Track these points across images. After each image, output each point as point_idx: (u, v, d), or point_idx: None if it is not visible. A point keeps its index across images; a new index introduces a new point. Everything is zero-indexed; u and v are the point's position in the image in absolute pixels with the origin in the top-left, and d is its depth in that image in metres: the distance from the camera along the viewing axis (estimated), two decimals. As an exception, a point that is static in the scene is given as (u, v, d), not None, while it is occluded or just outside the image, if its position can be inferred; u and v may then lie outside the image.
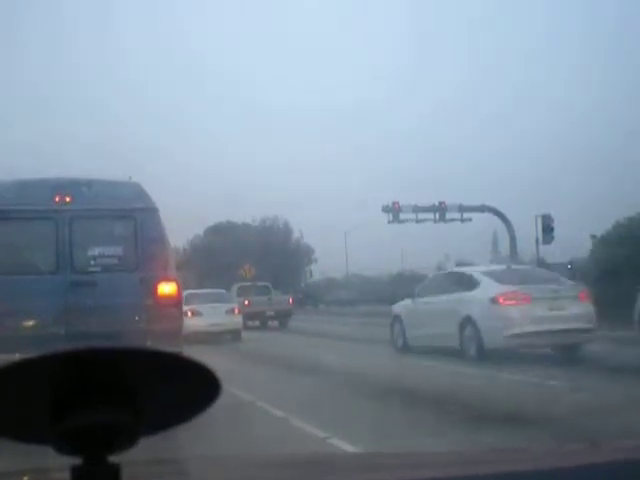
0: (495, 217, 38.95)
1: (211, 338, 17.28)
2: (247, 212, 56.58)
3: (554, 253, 33.47)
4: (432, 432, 5.72)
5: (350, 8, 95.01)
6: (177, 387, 0.86)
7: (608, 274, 20.24)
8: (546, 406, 6.85)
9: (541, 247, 33.01)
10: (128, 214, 7.30)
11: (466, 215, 38.05)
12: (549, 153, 66.27)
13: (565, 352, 11.25)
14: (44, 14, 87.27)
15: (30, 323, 6.88)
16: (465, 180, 58.21)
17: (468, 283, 12.03)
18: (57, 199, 7.21)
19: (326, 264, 51.35)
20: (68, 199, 7.23)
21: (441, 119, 79.01)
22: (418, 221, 37.49)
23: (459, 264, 38.69)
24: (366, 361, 12.05)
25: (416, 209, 36.82)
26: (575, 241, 35.03)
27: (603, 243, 23.83)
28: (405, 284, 31.85)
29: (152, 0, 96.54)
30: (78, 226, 7.17)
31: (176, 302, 7.35)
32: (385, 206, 36.68)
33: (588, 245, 33.94)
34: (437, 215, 36.96)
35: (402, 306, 14.11)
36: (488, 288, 11.45)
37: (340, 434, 5.72)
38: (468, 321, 11.32)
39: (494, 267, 13.57)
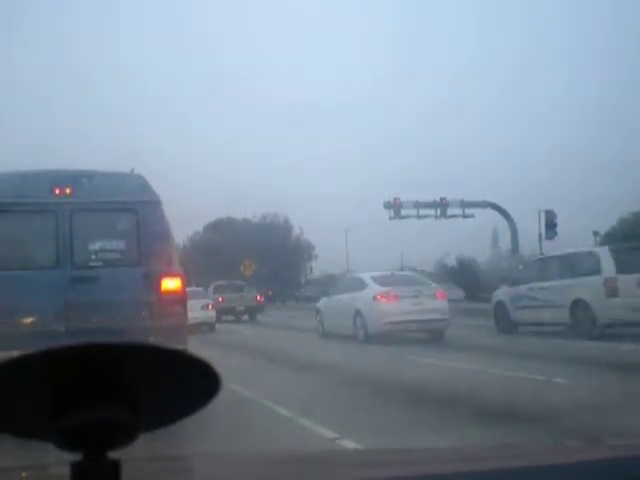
0: (497, 213, 38.81)
1: (190, 329, 19.64)
2: (248, 209, 56.67)
3: (554, 249, 33.31)
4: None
5: (350, 7, 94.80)
6: (177, 383, 0.86)
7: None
8: (399, 368, 10.55)
9: (543, 243, 32.86)
10: (130, 207, 7.07)
11: (468, 211, 38.02)
12: (551, 150, 66.20)
13: (431, 335, 15.23)
14: (45, 13, 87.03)
15: (29, 320, 6.66)
16: (467, 176, 58.20)
17: (360, 285, 16.19)
18: (57, 191, 6.97)
19: (327, 261, 51.42)
20: (68, 191, 6.99)
21: (443, 116, 78.83)
22: (419, 217, 37.65)
23: (460, 260, 38.63)
24: (294, 344, 16.42)
25: (417, 205, 36.81)
26: (576, 237, 34.94)
27: (608, 239, 23.65)
28: None
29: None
30: (79, 219, 6.94)
31: (180, 298, 7.12)
32: (386, 202, 36.71)
33: (590, 241, 33.90)
34: (438, 211, 36.95)
35: (322, 302, 18.30)
36: (372, 289, 15.68)
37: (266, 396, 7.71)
38: (358, 313, 15.58)
39: (380, 273, 17.27)
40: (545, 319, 15.08)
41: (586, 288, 13.96)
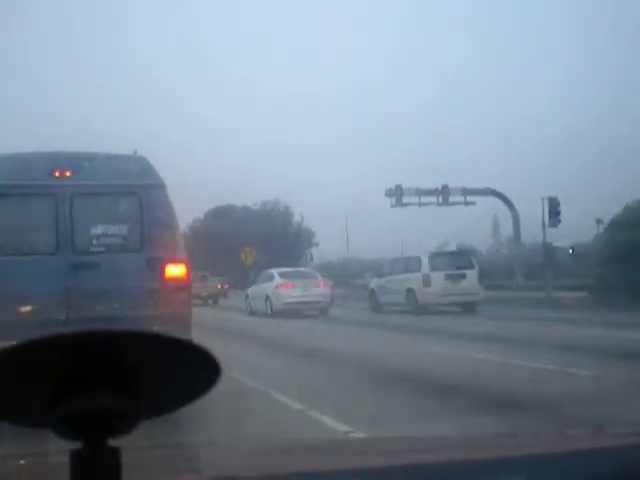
0: (499, 201, 38.69)
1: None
2: (249, 196, 56.69)
3: (555, 237, 33.28)
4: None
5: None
6: (177, 370, 0.86)
7: (618, 257, 20.70)
8: (284, 329, 16.87)
9: (547, 230, 32.66)
10: (133, 190, 6.82)
11: (469, 198, 38.03)
12: (552, 137, 65.89)
13: (318, 312, 22.03)
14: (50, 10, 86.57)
15: (29, 308, 6.43)
16: (469, 164, 57.96)
17: (270, 278, 23.63)
18: (57, 174, 6.72)
19: (327, 248, 51.46)
20: (68, 174, 6.74)
21: (445, 103, 78.41)
22: (421, 205, 37.69)
23: (460, 247, 38.48)
24: (225, 319, 22.45)
25: (419, 192, 36.77)
26: (576, 225, 34.86)
27: (613, 226, 23.57)
28: None
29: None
30: (79, 203, 6.69)
31: (185, 285, 6.89)
32: (388, 189, 36.71)
33: (592, 229, 33.71)
34: (440, 198, 36.87)
35: (250, 289, 25.12)
36: (276, 280, 23.00)
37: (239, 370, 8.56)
38: (267, 297, 22.78)
39: (285, 269, 25.13)
40: (395, 301, 22.85)
41: (413, 281, 22.14)
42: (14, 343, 0.78)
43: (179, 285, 6.78)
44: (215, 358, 0.86)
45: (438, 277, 21.63)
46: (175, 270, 6.78)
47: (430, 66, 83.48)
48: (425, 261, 22.36)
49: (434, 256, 23.16)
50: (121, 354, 0.83)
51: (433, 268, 21.95)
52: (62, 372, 0.84)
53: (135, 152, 7.33)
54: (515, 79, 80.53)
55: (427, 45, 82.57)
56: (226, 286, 39.70)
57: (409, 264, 23.03)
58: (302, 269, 29.75)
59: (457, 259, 23.55)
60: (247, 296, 24.67)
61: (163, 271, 6.72)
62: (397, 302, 22.64)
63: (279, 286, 22.49)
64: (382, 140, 75.65)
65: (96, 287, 6.57)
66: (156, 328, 6.09)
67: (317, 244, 52.91)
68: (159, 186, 6.90)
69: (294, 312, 21.36)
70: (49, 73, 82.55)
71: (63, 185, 6.66)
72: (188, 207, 54.45)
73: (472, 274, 22.11)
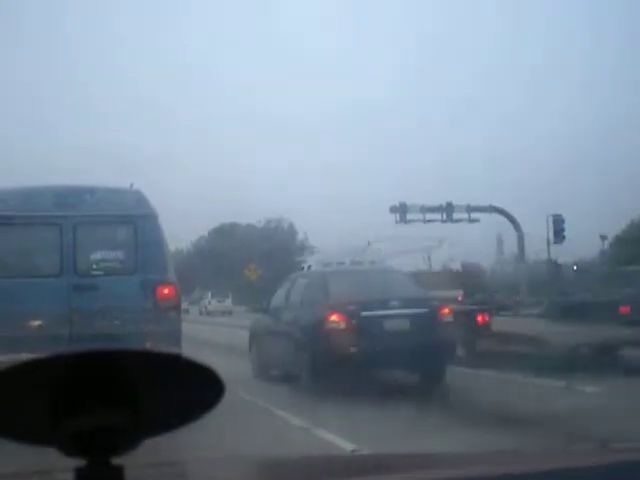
0: (503, 218, 39.09)
1: None
2: (253, 214, 57.22)
3: (557, 254, 33.68)
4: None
5: (351, 11, 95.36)
6: (180, 389, 0.90)
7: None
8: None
9: (551, 247, 33.17)
10: (129, 220, 7.78)
11: (474, 215, 38.18)
12: (556, 155, 66.29)
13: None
14: (44, 16, 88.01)
15: (36, 324, 7.36)
16: (473, 181, 58.43)
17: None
18: (61, 206, 7.68)
19: None
20: (71, 206, 7.71)
21: (449, 121, 78.90)
22: (425, 222, 37.37)
23: (465, 265, 39.06)
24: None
25: (423, 209, 37.13)
26: (578, 242, 35.16)
27: (619, 242, 23.85)
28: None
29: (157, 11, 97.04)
30: (81, 231, 7.65)
31: (175, 305, 7.83)
32: (392, 206, 37.04)
33: (594, 246, 34.16)
34: (444, 215, 37.13)
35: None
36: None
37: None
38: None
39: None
40: None
41: None
42: (23, 358, 0.84)
43: (169, 304, 7.72)
44: (218, 376, 0.89)
45: None
46: (166, 291, 7.71)
47: (436, 84, 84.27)
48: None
49: None
50: (123, 373, 0.86)
51: None
52: (65, 391, 0.87)
53: (131, 185, 8.29)
54: (520, 97, 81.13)
55: (432, 65, 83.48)
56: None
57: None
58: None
59: None
60: (252, 339, 12.51)
61: (155, 292, 7.65)
62: None
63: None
64: (387, 158, 76.21)
65: (96, 306, 7.50)
66: (149, 344, 7.01)
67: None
68: (152, 216, 7.87)
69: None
70: (52, 96, 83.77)
71: (67, 215, 7.63)
72: (192, 225, 55.46)
73: None
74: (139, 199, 7.92)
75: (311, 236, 54.03)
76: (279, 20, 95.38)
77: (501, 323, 11.94)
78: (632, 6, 64.96)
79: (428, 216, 37.09)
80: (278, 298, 11.58)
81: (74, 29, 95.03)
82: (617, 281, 13.61)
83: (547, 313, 13.07)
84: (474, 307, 12.37)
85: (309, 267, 12.73)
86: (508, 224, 38.74)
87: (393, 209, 36.91)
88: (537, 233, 35.97)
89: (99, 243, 7.80)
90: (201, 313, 42.28)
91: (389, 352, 8.98)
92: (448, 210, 37.05)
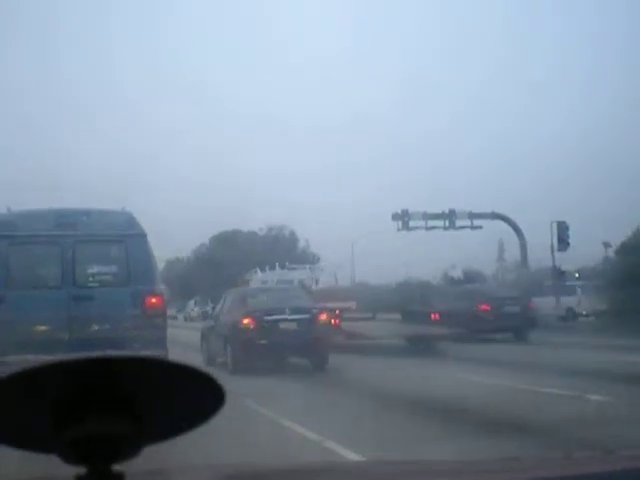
0: (505, 225, 39.55)
1: None
2: (255, 221, 58.01)
3: (561, 260, 34.21)
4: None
5: (365, 19, 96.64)
6: (181, 396, 0.93)
7: (629, 280, 21.04)
8: None
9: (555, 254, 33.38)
10: (121, 239, 9.20)
11: (476, 222, 38.29)
12: (559, 162, 67.04)
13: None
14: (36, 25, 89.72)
15: (40, 329, 8.75)
16: (475, 188, 59.34)
17: None
18: (62, 227, 9.08)
19: (332, 274, 52.48)
20: (71, 226, 9.11)
21: (453, 128, 79.57)
22: (428, 229, 37.82)
23: (466, 273, 39.93)
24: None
25: (426, 216, 38.00)
26: (584, 249, 35.68)
27: (623, 249, 24.35)
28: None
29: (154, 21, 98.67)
30: (79, 249, 9.07)
31: (161, 312, 9.24)
32: (395, 214, 37.84)
33: (596, 253, 34.85)
34: (447, 222, 38.01)
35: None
36: None
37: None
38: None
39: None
40: None
41: None
42: (19, 370, 0.87)
43: (157, 312, 9.11)
44: (219, 384, 0.93)
45: None
46: (153, 300, 9.09)
47: (439, 93, 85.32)
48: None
49: None
50: (124, 380, 0.90)
51: None
52: (66, 398, 0.90)
53: (123, 208, 9.69)
54: (522, 105, 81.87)
55: (435, 74, 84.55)
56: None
57: None
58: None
59: None
60: (202, 337, 17.03)
61: (144, 301, 9.03)
62: None
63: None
64: (389, 165, 77.02)
65: (92, 314, 8.90)
66: (139, 346, 8.39)
67: (322, 269, 54.38)
68: (141, 235, 9.28)
69: None
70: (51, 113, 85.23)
71: (66, 235, 9.05)
72: (194, 233, 56.84)
73: None
74: (129, 220, 9.32)
75: (313, 244, 55.20)
76: (280, 27, 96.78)
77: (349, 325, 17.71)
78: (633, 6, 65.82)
79: (430, 223, 37.68)
80: (218, 307, 16.50)
81: (65, 44, 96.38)
82: (437, 295, 21.22)
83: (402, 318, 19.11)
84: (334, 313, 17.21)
85: (248, 282, 17.97)
86: (511, 231, 39.39)
87: (395, 216, 37.50)
88: (539, 240, 36.60)
89: (95, 259, 9.21)
90: (186, 319, 44.81)
91: (284, 344, 13.38)
92: (450, 217, 37.77)
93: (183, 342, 17.15)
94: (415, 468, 2.00)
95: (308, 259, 54.03)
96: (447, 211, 38.10)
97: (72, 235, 9.07)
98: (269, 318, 13.95)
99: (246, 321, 14.02)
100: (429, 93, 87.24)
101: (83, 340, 8.54)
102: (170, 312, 38.00)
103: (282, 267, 35.25)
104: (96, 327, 8.86)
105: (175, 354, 9.07)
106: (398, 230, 37.87)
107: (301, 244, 56.35)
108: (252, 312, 14.22)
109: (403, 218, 37.67)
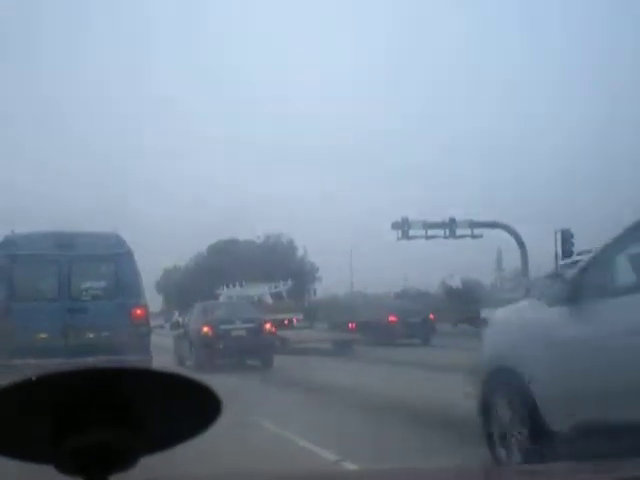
0: (506, 233, 40.12)
1: None
2: (254, 230, 58.15)
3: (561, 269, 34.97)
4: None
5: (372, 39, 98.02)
6: (177, 406, 0.96)
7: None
8: None
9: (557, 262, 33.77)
10: (110, 258, 10.84)
11: (477, 231, 38.79)
12: (561, 170, 67.63)
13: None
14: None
15: (40, 337, 10.38)
16: (475, 196, 60.13)
17: None
18: (59, 247, 10.71)
19: (331, 282, 52.51)
20: (67, 247, 10.75)
21: (451, 138, 80.00)
22: (428, 237, 38.38)
23: (464, 282, 40.87)
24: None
25: (426, 225, 38.59)
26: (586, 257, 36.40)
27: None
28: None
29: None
30: (74, 266, 10.72)
31: (145, 322, 10.86)
32: (395, 222, 38.50)
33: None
34: (447, 231, 38.57)
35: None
36: None
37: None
38: None
39: None
40: None
41: None
42: (16, 381, 0.90)
43: (141, 322, 10.72)
44: (216, 395, 0.96)
45: None
46: (138, 312, 10.69)
47: (442, 103, 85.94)
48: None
49: None
50: (122, 391, 0.93)
51: None
52: (63, 409, 0.93)
53: (115, 229, 11.42)
54: (524, 114, 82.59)
55: (439, 77, 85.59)
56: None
57: None
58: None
59: None
60: (174, 343, 22.02)
61: (130, 313, 10.63)
62: None
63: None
64: (388, 173, 77.48)
65: (85, 323, 10.52)
66: (126, 350, 9.95)
67: (320, 278, 54.81)
68: (128, 254, 10.91)
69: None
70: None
71: (63, 254, 10.69)
72: (192, 241, 57.97)
73: None
74: (118, 241, 10.97)
75: (310, 252, 55.45)
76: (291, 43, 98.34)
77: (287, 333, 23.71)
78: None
79: (430, 232, 38.17)
80: (186, 318, 21.06)
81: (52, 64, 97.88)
82: (358, 308, 28.24)
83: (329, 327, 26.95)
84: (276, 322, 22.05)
85: (218, 296, 26.28)
86: (511, 239, 40.01)
87: (395, 225, 38.10)
88: (540, 248, 37.25)
89: (88, 275, 10.86)
90: (171, 328, 45.96)
91: (236, 348, 17.63)
92: (451, 226, 38.29)
93: (166, 348, 19.98)
94: (412, 478, 2.04)
95: (306, 267, 55.32)
96: (447, 220, 38.76)
97: (68, 254, 10.70)
98: (224, 327, 18.22)
99: (206, 329, 18.27)
100: (430, 110, 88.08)
101: (78, 346, 10.14)
102: (159, 322, 39.09)
103: (270, 280, 40.54)
104: (89, 335, 10.47)
105: (155, 357, 10.71)
106: (398, 239, 38.54)
107: (299, 252, 56.97)
108: (210, 322, 18.50)
109: (403, 227, 38.33)
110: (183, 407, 0.97)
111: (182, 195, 77.80)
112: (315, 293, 49.85)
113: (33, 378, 0.89)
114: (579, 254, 27.75)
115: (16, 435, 0.95)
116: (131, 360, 9.82)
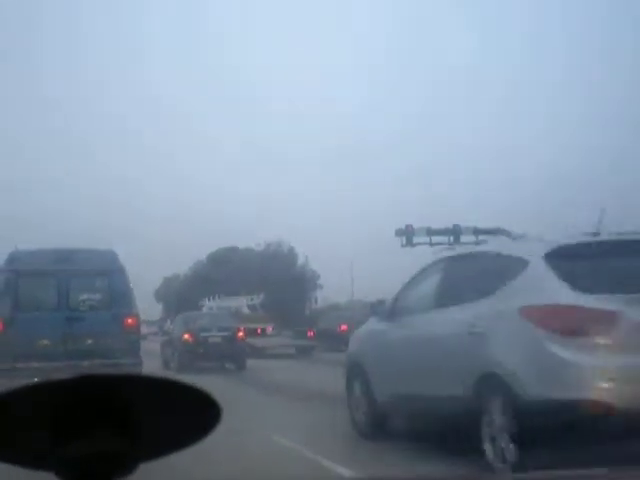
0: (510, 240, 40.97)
1: None
2: (254, 238, 58.14)
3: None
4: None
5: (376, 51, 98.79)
6: (177, 413, 0.98)
7: None
8: None
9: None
10: (105, 272, 12.31)
11: (481, 238, 39.42)
12: (564, 176, 68.06)
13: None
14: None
15: (42, 343, 11.81)
16: (479, 203, 60.72)
17: None
18: (59, 263, 12.16)
19: (332, 289, 53.60)
20: (66, 262, 12.20)
21: (453, 145, 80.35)
22: (432, 244, 37.66)
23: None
24: None
25: (430, 232, 39.20)
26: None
27: None
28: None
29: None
30: (72, 280, 12.21)
31: (136, 330, 12.33)
32: (398, 229, 39.21)
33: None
34: (451, 238, 38.90)
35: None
36: None
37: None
38: None
39: None
40: None
41: None
42: (16, 387, 0.92)
43: (132, 330, 12.17)
44: (215, 401, 0.97)
45: None
46: (130, 321, 12.12)
47: (442, 116, 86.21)
48: None
49: None
50: (122, 398, 0.94)
51: None
52: (64, 415, 0.94)
53: (110, 245, 12.94)
54: (526, 122, 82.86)
55: (441, 90, 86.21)
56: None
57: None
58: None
59: None
60: (161, 348, 25.57)
61: (122, 322, 12.04)
62: None
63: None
64: (392, 180, 77.59)
65: (82, 331, 11.96)
66: (119, 355, 11.34)
67: (321, 286, 54.77)
68: (121, 269, 12.40)
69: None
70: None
71: (62, 269, 12.15)
72: (193, 249, 59.00)
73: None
74: (112, 257, 12.44)
75: (312, 259, 55.70)
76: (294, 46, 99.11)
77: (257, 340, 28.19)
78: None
79: (435, 239, 38.49)
80: (171, 326, 25.47)
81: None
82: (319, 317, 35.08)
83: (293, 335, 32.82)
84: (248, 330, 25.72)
85: (202, 307, 32.89)
86: None
87: (399, 232, 38.84)
88: None
89: (84, 288, 12.33)
90: (162, 335, 48.02)
91: (213, 353, 21.34)
92: (455, 233, 39.00)
93: (156, 354, 22.57)
94: None
95: (307, 275, 55.20)
96: (451, 226, 39.45)
97: (67, 269, 12.15)
98: (202, 334, 21.74)
99: (186, 336, 21.83)
100: (432, 111, 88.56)
101: (75, 351, 11.58)
102: (154, 329, 43.20)
103: (270, 287, 43.82)
104: (86, 341, 11.92)
105: (144, 361, 12.24)
106: (402, 246, 39.08)
107: (300, 260, 56.71)
108: (191, 330, 22.04)
109: (407, 234, 39.03)
110: (183, 413, 0.98)
111: (182, 203, 78.65)
112: (317, 301, 50.33)
113: (33, 385, 0.91)
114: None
115: (16, 441, 0.97)
116: (123, 363, 11.30)
